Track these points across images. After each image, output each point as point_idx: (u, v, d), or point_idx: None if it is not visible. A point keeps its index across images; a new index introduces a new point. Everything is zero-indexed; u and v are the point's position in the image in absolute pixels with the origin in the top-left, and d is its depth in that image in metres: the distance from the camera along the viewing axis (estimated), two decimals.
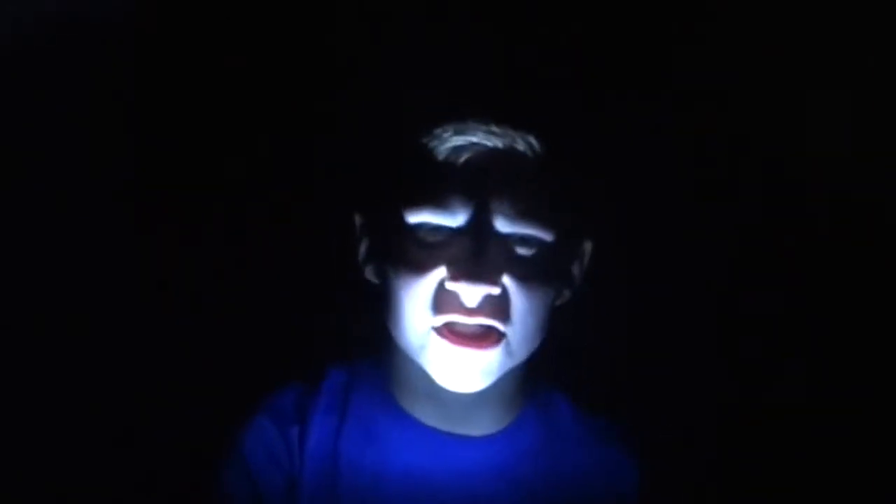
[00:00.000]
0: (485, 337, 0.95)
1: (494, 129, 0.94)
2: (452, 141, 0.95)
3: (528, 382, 1.05)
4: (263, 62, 1.24)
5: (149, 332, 1.22)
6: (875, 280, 1.21)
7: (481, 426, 1.02)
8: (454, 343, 0.94)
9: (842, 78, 1.18)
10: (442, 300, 0.94)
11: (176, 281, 1.24)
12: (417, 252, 0.95)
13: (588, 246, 1.04)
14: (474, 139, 0.94)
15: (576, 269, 1.04)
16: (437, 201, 0.94)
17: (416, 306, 0.95)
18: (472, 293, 0.93)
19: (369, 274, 1.04)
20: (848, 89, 1.18)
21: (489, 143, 0.95)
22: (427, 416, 1.02)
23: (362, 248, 1.04)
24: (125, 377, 1.21)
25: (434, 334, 0.95)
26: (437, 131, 0.95)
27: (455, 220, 0.94)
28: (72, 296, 1.20)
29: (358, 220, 1.04)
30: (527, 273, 0.94)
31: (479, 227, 0.93)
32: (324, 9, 1.23)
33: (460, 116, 0.95)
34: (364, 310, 1.05)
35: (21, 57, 1.16)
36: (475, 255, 0.93)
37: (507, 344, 0.96)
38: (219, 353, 1.23)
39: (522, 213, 0.94)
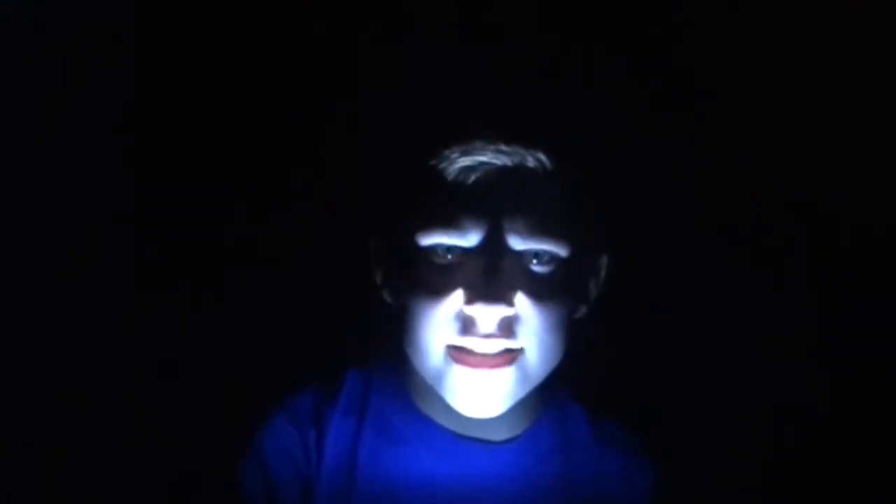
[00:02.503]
0: (500, 357, 0.94)
1: (503, 147, 0.94)
2: (461, 161, 0.94)
3: (544, 389, 1.04)
4: (274, 86, 1.24)
5: (171, 335, 1.23)
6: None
7: (499, 431, 1.02)
8: (471, 366, 0.94)
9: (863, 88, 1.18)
10: (459, 325, 0.94)
11: (195, 283, 1.25)
12: (432, 275, 0.94)
13: (604, 260, 1.04)
14: (483, 158, 0.94)
15: (592, 284, 1.03)
16: (448, 222, 0.93)
17: (434, 332, 0.94)
18: (488, 314, 0.92)
19: (387, 296, 1.03)
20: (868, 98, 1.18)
21: (498, 162, 0.94)
22: (445, 420, 1.02)
23: (379, 273, 1.04)
24: (145, 380, 1.22)
25: (451, 361, 0.94)
26: (445, 152, 0.94)
27: (468, 240, 0.93)
28: (81, 299, 1.21)
29: (373, 244, 1.04)
30: (543, 290, 0.94)
31: (492, 246, 0.93)
32: (330, 34, 1.23)
33: (467, 136, 0.94)
34: (382, 314, 1.05)
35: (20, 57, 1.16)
36: (489, 274, 0.92)
37: (524, 363, 0.95)
38: (239, 355, 1.23)
39: (535, 229, 0.93)
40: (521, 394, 0.97)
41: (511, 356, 0.95)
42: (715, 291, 1.23)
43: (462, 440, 1.02)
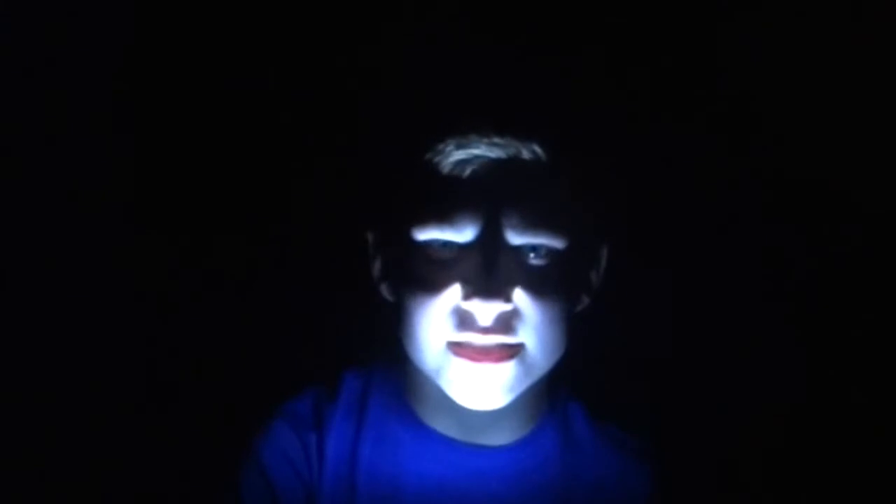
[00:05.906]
0: (501, 351, 0.93)
1: (497, 139, 0.92)
2: (455, 155, 0.93)
3: (546, 392, 1.04)
4: (274, 85, 1.25)
5: (169, 339, 1.23)
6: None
7: (499, 436, 1.02)
8: (471, 360, 0.93)
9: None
10: (457, 320, 0.93)
11: (194, 287, 1.24)
12: (429, 270, 0.93)
13: (604, 251, 1.03)
14: (477, 151, 0.92)
15: (593, 275, 1.02)
16: (443, 217, 0.92)
17: (432, 327, 0.93)
18: (486, 310, 0.91)
19: (385, 292, 1.03)
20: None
21: (493, 155, 0.93)
22: (443, 426, 1.01)
23: (376, 268, 1.03)
24: (145, 384, 1.22)
25: (451, 355, 0.93)
26: (440, 146, 0.93)
27: (463, 235, 0.92)
28: (79, 299, 1.21)
29: (370, 238, 1.03)
30: (541, 284, 0.93)
31: (488, 241, 0.92)
32: (329, 31, 1.23)
33: (461, 129, 0.93)
34: (379, 315, 1.04)
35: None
36: (486, 270, 0.91)
37: (525, 357, 0.94)
38: (237, 358, 1.23)
39: (531, 223, 0.92)
40: (523, 387, 0.96)
41: (511, 350, 0.93)
42: (715, 289, 1.23)
43: (461, 445, 1.01)
